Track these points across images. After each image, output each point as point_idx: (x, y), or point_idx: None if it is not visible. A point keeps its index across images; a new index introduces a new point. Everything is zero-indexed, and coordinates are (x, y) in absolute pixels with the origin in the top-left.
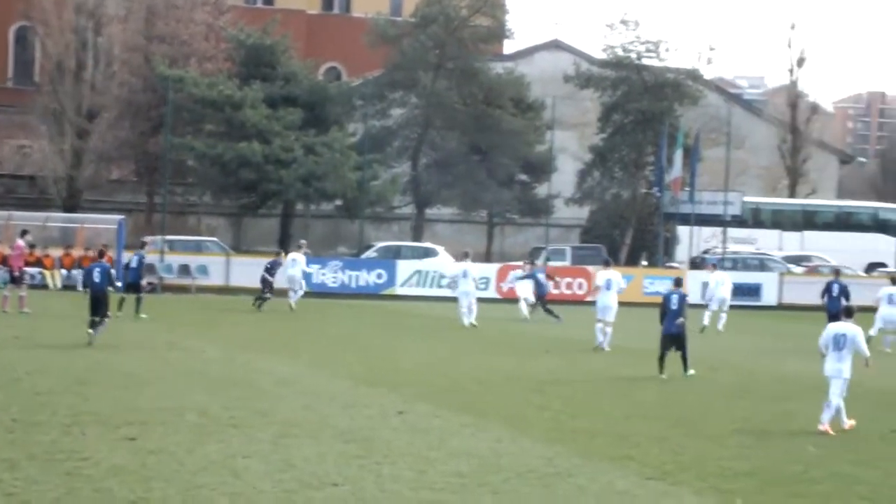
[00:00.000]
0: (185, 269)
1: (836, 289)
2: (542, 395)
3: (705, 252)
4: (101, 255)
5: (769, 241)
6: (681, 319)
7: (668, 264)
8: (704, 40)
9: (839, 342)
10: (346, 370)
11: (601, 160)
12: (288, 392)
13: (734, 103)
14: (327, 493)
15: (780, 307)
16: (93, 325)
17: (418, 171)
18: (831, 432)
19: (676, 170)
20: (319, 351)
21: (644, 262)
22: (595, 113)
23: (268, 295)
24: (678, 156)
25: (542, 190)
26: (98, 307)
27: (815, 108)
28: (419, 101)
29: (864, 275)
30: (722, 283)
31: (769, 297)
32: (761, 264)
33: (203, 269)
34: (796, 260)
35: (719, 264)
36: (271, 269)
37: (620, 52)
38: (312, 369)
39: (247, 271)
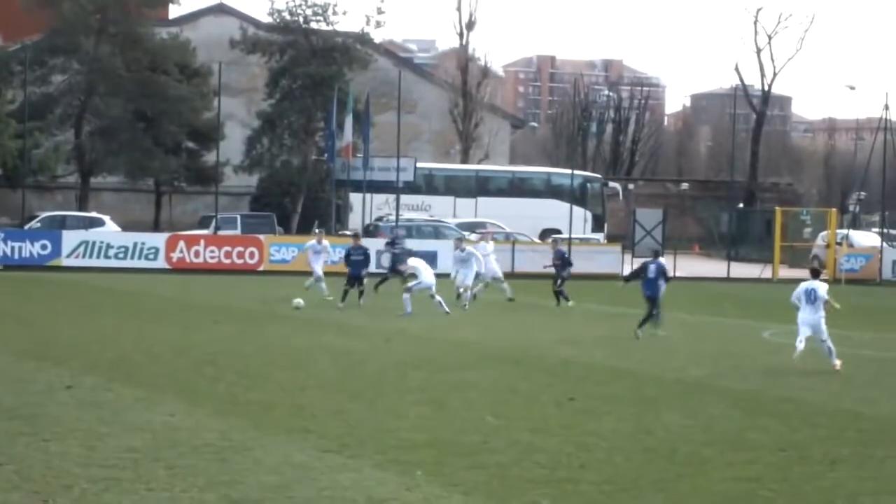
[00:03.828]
0: None
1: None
2: (214, 367)
3: (378, 219)
4: None
5: (443, 208)
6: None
7: (340, 232)
8: (373, 4)
9: (811, 296)
10: (9, 345)
11: (270, 126)
12: None
13: (405, 67)
14: None
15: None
16: None
17: (82, 138)
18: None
19: (348, 136)
20: None
21: (316, 231)
22: (263, 78)
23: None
24: (349, 121)
25: (210, 157)
26: None
27: (485, 72)
28: (81, 66)
29: (538, 241)
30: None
31: (442, 264)
32: (436, 231)
33: None
34: (471, 226)
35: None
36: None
37: (287, 16)
38: None
39: None
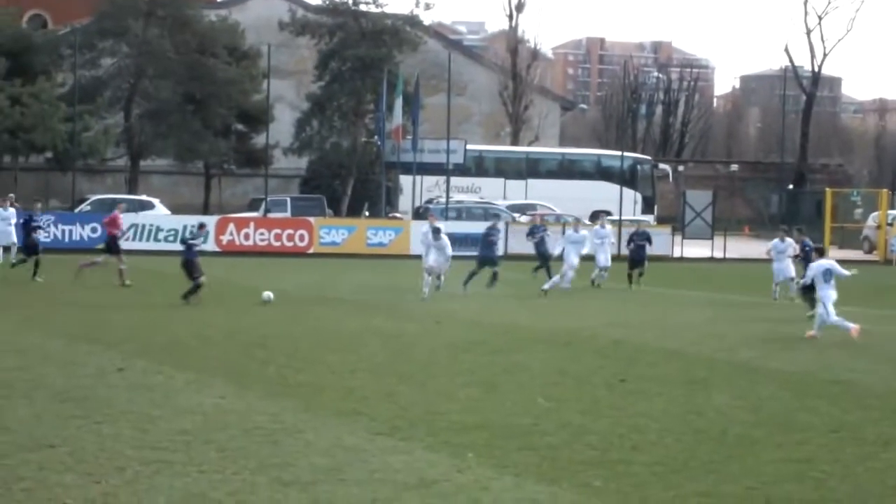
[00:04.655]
0: None
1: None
2: (264, 350)
3: (429, 202)
4: None
5: (493, 190)
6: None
7: (390, 214)
8: None
9: (828, 275)
10: (60, 328)
11: (320, 109)
12: None
13: (454, 49)
14: (44, 455)
15: (506, 257)
16: None
17: (131, 121)
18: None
19: (397, 118)
20: (32, 309)
21: (366, 213)
22: (312, 61)
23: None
24: (399, 103)
25: (259, 140)
26: None
27: (535, 54)
28: (130, 50)
29: (589, 223)
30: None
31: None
32: (486, 213)
33: None
34: (521, 209)
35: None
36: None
37: None
38: (24, 327)
39: None
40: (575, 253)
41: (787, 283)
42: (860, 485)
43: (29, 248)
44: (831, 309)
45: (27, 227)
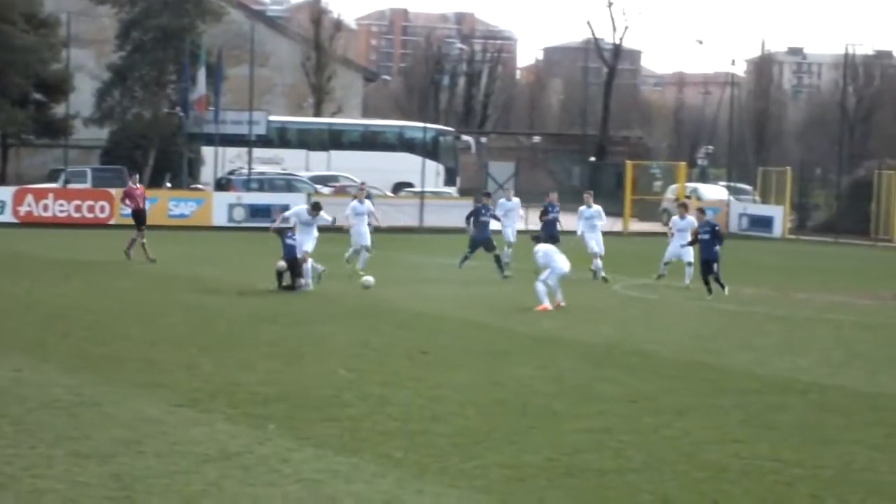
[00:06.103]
0: None
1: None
2: (63, 322)
3: (231, 173)
4: None
5: (296, 162)
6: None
7: (192, 186)
8: None
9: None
10: None
11: (121, 79)
12: None
13: (258, 20)
14: None
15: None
16: None
17: None
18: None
19: (200, 89)
20: None
21: (168, 184)
22: (114, 30)
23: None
24: (201, 74)
25: (59, 110)
26: None
27: (338, 25)
28: None
29: (391, 195)
30: None
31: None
32: (288, 185)
33: None
34: (323, 180)
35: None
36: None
37: None
38: None
39: None
40: (590, 234)
41: (686, 267)
42: (655, 453)
43: None
44: (551, 278)
45: None
